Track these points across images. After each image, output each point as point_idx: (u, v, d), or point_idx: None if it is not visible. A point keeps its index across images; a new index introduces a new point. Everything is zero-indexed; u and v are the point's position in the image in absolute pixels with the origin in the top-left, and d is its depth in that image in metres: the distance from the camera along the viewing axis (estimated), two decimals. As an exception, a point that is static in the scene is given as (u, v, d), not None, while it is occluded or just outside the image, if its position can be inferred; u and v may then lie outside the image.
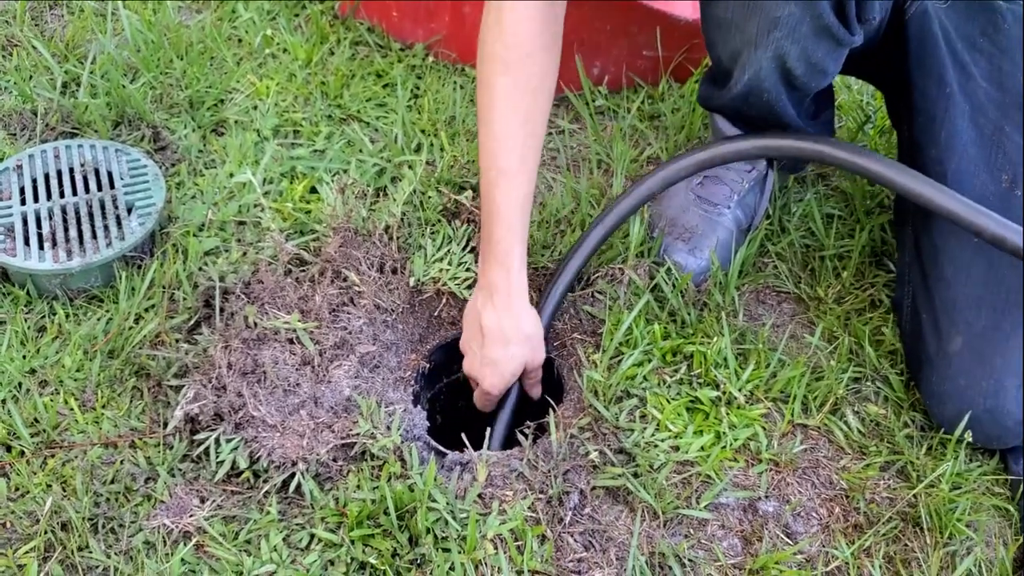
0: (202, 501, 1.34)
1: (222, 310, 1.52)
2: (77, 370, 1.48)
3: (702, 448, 1.43)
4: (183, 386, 1.43)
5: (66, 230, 1.60)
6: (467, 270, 1.65)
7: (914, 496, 1.41)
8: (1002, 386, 1.40)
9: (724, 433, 1.45)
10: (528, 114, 1.42)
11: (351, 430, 1.39)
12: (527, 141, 1.43)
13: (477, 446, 1.46)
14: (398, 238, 1.64)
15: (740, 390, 1.49)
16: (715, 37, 1.46)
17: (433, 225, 1.70)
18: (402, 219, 1.68)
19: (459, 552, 1.28)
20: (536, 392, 1.57)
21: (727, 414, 1.47)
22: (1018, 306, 1.41)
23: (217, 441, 1.38)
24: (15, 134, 1.82)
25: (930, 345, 1.47)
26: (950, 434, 1.44)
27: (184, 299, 1.56)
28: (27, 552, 1.28)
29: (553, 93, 1.46)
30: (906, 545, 1.38)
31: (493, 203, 1.44)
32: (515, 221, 1.44)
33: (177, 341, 1.50)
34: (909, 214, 1.55)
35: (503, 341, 1.45)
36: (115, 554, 1.29)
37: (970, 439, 1.42)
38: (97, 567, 1.28)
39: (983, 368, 1.42)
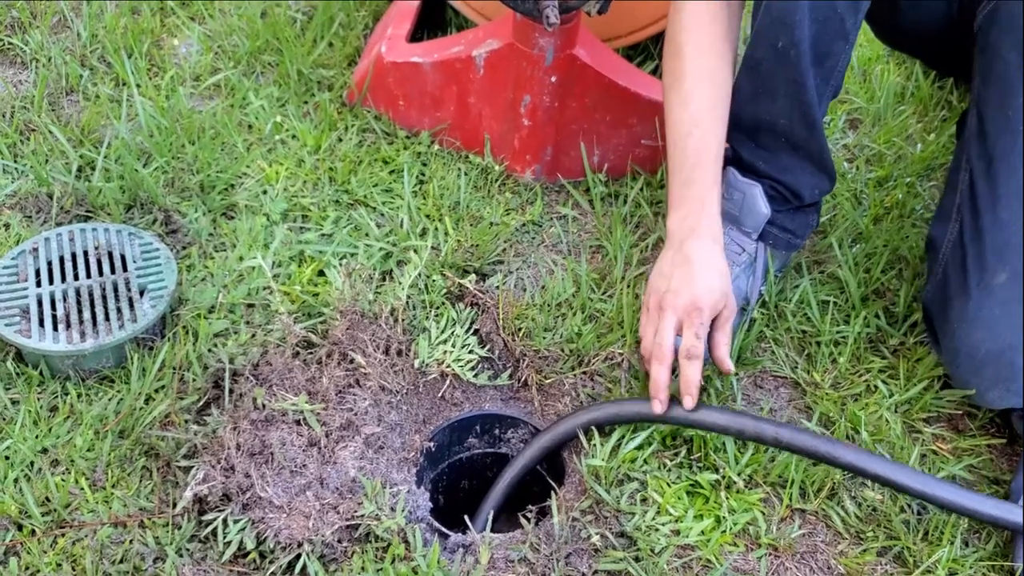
0: (209, 582, 1.36)
1: (231, 391, 1.55)
2: (88, 450, 1.51)
3: (702, 532, 1.45)
4: (192, 467, 1.46)
5: (80, 312, 1.64)
6: (470, 352, 1.69)
7: (911, 581, 1.43)
8: None
9: (724, 517, 1.47)
10: (713, 72, 1.61)
11: (356, 511, 1.41)
12: (714, 93, 1.61)
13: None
14: (403, 320, 1.68)
15: (739, 474, 1.51)
16: None
17: (437, 308, 1.74)
18: (407, 302, 1.72)
19: (463, 635, 1.29)
20: (724, 351, 1.56)
21: (727, 498, 1.49)
22: None
23: (225, 522, 1.40)
24: (31, 217, 1.87)
25: (972, 277, 1.54)
26: (961, 375, 1.57)
27: (194, 380, 1.59)
28: (35, 632, 1.30)
29: (735, 50, 1.65)
30: (904, 630, 1.39)
31: (686, 152, 1.59)
32: (710, 166, 1.58)
33: (187, 422, 1.53)
34: (965, 160, 1.60)
35: (696, 273, 1.53)
36: (122, 635, 1.30)
37: (972, 392, 1.58)
38: (104, 648, 1.30)
39: (1020, 307, 1.49)
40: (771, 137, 1.70)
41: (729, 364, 1.56)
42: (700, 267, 1.53)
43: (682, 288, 1.52)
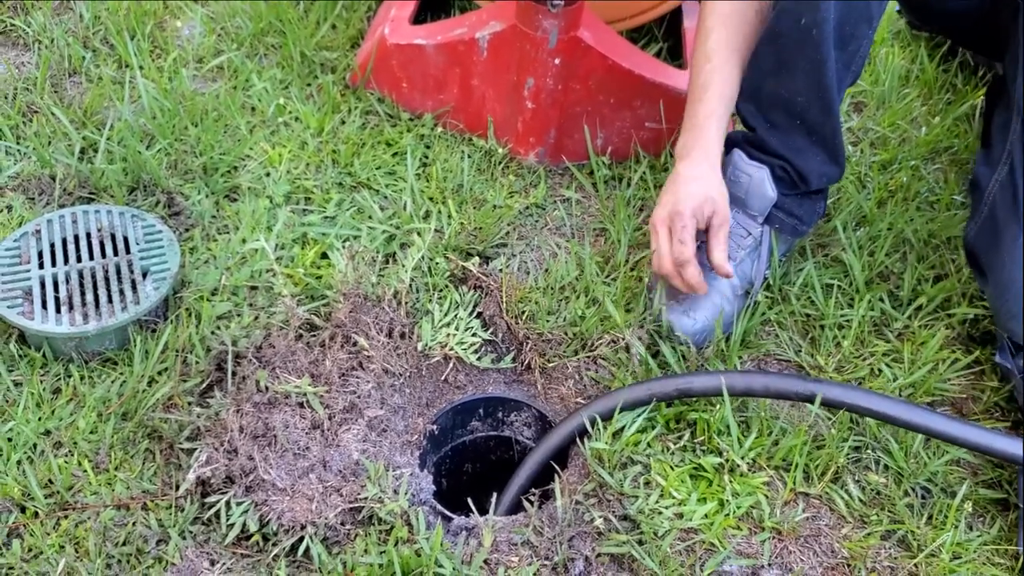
0: (212, 564, 1.36)
1: (234, 374, 1.55)
2: (91, 432, 1.51)
3: (706, 515, 1.44)
4: (195, 449, 1.46)
5: (82, 294, 1.64)
6: (473, 335, 1.68)
7: (915, 566, 1.42)
8: None
9: (727, 501, 1.47)
10: (735, 15, 1.68)
11: (359, 494, 1.41)
12: (731, 34, 1.68)
13: (481, 511, 1.48)
14: (406, 303, 1.68)
15: (743, 458, 1.51)
16: None
17: (441, 291, 1.74)
18: (410, 285, 1.71)
19: (466, 617, 1.30)
20: (719, 257, 1.62)
21: (730, 481, 1.49)
22: None
23: (228, 504, 1.40)
24: (34, 199, 1.86)
25: None
26: (1009, 308, 1.56)
27: (197, 363, 1.58)
28: (39, 613, 1.30)
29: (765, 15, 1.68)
30: (907, 614, 1.39)
31: (696, 84, 1.68)
32: (711, 97, 1.66)
33: (189, 404, 1.53)
34: (1017, 112, 1.60)
35: (679, 186, 1.62)
36: (125, 616, 1.30)
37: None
38: (107, 629, 1.30)
39: None
40: (786, 116, 1.68)
41: (728, 268, 1.63)
42: (684, 180, 1.63)
43: (666, 201, 1.63)
